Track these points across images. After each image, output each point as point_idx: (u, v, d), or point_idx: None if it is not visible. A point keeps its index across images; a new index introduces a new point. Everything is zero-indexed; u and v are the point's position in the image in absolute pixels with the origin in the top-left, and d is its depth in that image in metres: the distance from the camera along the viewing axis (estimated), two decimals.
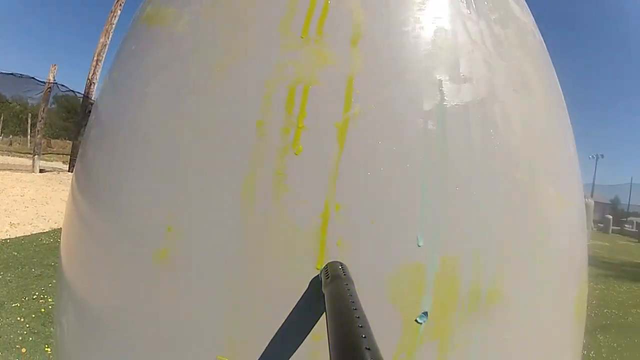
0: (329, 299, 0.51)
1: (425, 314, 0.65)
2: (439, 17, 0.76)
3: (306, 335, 0.62)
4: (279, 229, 0.64)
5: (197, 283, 0.66)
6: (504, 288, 0.71)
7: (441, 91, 0.71)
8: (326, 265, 0.60)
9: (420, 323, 0.65)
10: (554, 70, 1.00)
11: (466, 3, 0.81)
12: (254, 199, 0.64)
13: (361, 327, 0.42)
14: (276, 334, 0.63)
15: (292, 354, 0.63)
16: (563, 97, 0.99)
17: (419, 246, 0.65)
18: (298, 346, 0.63)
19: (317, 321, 0.62)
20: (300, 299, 0.63)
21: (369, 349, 0.37)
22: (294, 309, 0.63)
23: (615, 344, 5.74)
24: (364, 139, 0.66)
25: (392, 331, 0.65)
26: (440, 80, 0.72)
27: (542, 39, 1.00)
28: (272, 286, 0.64)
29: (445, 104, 0.71)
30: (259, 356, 0.63)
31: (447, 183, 0.68)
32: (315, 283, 0.62)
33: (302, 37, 0.70)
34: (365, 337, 0.40)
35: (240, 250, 0.64)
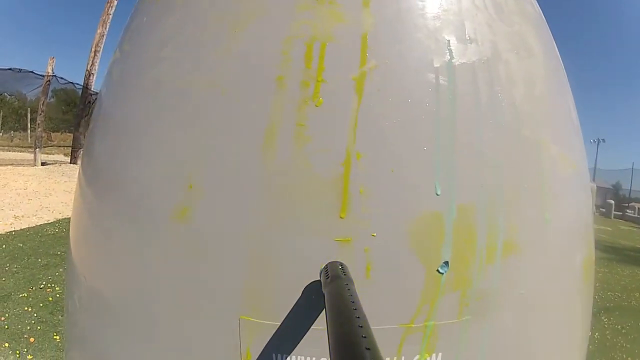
0: (329, 299, 0.51)
1: (447, 263, 0.67)
2: None
3: (306, 335, 0.63)
4: (302, 178, 0.64)
5: (219, 241, 0.67)
6: (518, 241, 0.73)
7: (449, 50, 0.74)
8: (326, 265, 0.61)
9: (442, 273, 0.66)
10: (553, 40, 1.03)
11: None
12: (275, 150, 0.65)
13: (361, 327, 0.42)
14: (275, 333, 0.64)
15: (291, 354, 0.64)
16: (563, 66, 1.02)
17: (437, 194, 0.67)
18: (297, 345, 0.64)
19: (316, 321, 0.63)
20: (300, 298, 0.63)
21: (369, 348, 0.38)
22: (293, 308, 0.64)
23: (619, 326, 5.81)
24: (380, 91, 0.67)
25: (416, 282, 0.66)
26: (448, 40, 0.74)
27: (540, 10, 1.03)
28: (296, 237, 0.64)
29: (454, 62, 0.73)
30: (280, 313, 0.64)
31: (457, 134, 0.70)
32: (315, 283, 0.63)
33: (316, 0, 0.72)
34: (365, 337, 0.40)
35: (263, 203, 0.65)
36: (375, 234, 0.64)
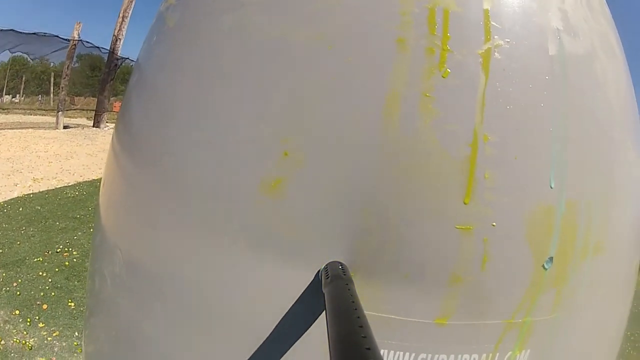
0: (329, 298, 0.50)
1: (551, 259, 0.64)
2: None
3: (305, 335, 0.61)
4: (428, 155, 0.58)
5: (319, 223, 0.60)
6: (605, 239, 0.73)
7: (560, 39, 0.71)
8: (326, 265, 0.59)
9: (546, 269, 0.64)
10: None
11: None
12: (398, 120, 0.58)
13: (361, 327, 0.41)
14: (273, 332, 0.61)
15: (291, 354, 0.61)
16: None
17: (551, 187, 0.64)
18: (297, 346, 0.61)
19: (316, 320, 0.61)
20: (300, 299, 0.61)
21: (369, 348, 0.37)
22: (293, 308, 0.61)
23: (628, 333, 5.73)
24: (505, 71, 0.62)
25: (524, 275, 0.63)
26: (558, 29, 0.71)
27: None
28: (416, 220, 0.58)
29: (565, 52, 0.70)
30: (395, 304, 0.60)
31: (568, 129, 0.67)
32: (316, 282, 0.60)
33: None
34: (365, 337, 0.39)
35: (380, 179, 0.58)
36: (495, 224, 0.60)
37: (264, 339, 0.61)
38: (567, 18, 0.73)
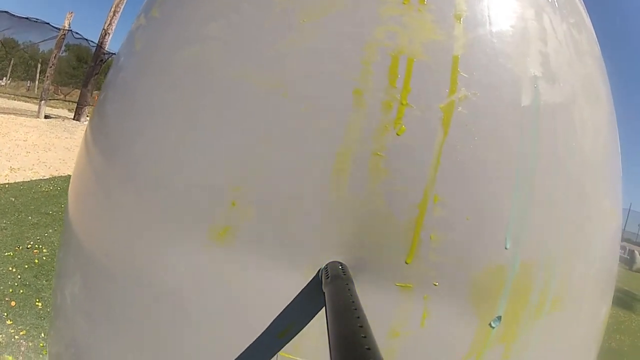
0: (329, 298, 0.50)
1: (499, 318, 0.63)
2: (531, 9, 0.72)
3: (306, 335, 0.60)
4: (373, 215, 0.57)
5: (265, 272, 0.60)
6: (566, 296, 0.71)
7: (536, 88, 0.67)
8: (326, 265, 0.58)
9: (493, 327, 0.63)
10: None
11: (550, 2, 0.76)
12: (347, 178, 0.57)
13: (361, 327, 0.42)
14: (273, 332, 0.60)
15: (291, 353, 0.60)
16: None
17: (505, 248, 0.62)
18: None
19: (316, 320, 0.60)
20: (300, 299, 0.60)
21: (369, 348, 0.38)
22: (293, 308, 0.60)
23: None
24: (466, 126, 0.60)
25: (466, 332, 0.62)
26: (536, 76, 0.68)
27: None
28: (357, 275, 0.58)
29: (540, 102, 0.67)
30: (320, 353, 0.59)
31: (534, 187, 0.65)
32: (316, 282, 0.60)
33: (403, 3, 0.61)
34: (365, 337, 0.40)
35: (324, 235, 0.58)
36: (437, 283, 0.59)
37: (264, 339, 0.61)
38: (548, 62, 0.70)
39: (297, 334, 0.60)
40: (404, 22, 0.60)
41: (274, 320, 0.60)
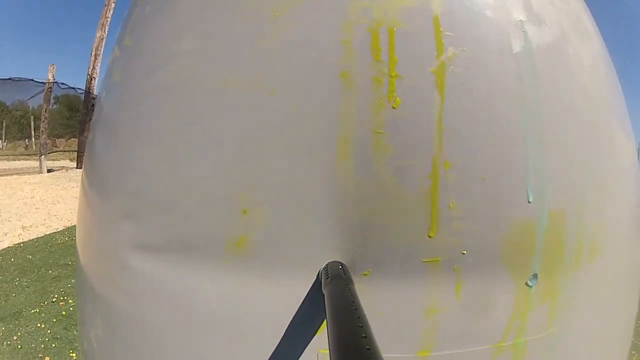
0: (329, 298, 0.49)
1: (535, 276, 0.61)
2: None
3: (310, 337, 0.60)
4: (386, 196, 0.55)
5: (285, 272, 0.59)
6: (602, 240, 0.69)
7: (524, 32, 0.64)
8: (326, 265, 0.57)
9: (531, 286, 0.61)
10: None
11: None
12: (351, 164, 0.55)
13: (361, 326, 0.41)
14: (279, 337, 0.60)
15: (292, 353, 0.60)
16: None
17: (529, 202, 0.59)
18: (301, 348, 0.60)
19: (320, 322, 0.60)
20: (303, 301, 0.60)
21: (369, 348, 0.37)
22: (297, 311, 0.60)
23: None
24: (463, 85, 0.57)
25: (505, 296, 0.60)
26: (521, 21, 0.65)
27: None
28: (383, 260, 0.56)
29: (532, 45, 0.64)
30: None
31: (545, 132, 0.62)
32: (316, 283, 0.59)
33: None
34: (365, 337, 0.39)
35: (341, 227, 0.56)
36: (465, 252, 0.57)
37: (267, 345, 0.60)
38: (530, 5, 0.68)
39: (297, 334, 0.60)
40: None
41: (275, 322, 0.60)
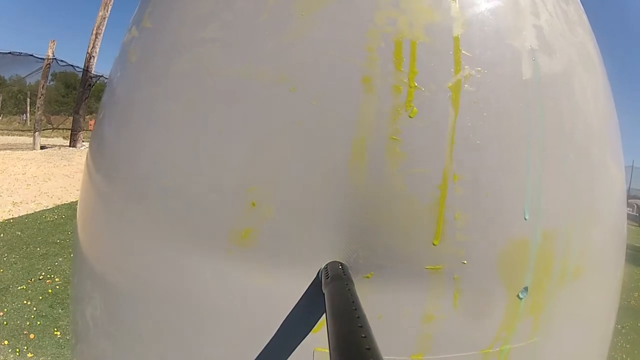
0: (329, 298, 0.50)
1: (526, 289, 0.64)
2: None
3: (306, 335, 0.60)
4: (395, 200, 0.57)
5: (288, 269, 0.59)
6: (585, 262, 0.72)
7: (535, 60, 0.68)
8: (326, 265, 0.58)
9: (521, 299, 0.64)
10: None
11: None
12: (365, 166, 0.56)
13: (361, 326, 0.42)
14: (276, 333, 0.60)
15: (292, 354, 0.60)
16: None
17: (525, 219, 0.62)
18: (298, 345, 0.60)
19: (317, 321, 0.60)
20: (300, 299, 0.60)
21: (369, 348, 0.37)
22: (294, 308, 0.60)
23: (618, 326, 5.81)
24: (476, 103, 0.60)
25: (497, 307, 0.63)
26: (533, 49, 0.68)
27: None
28: (386, 263, 0.58)
29: (540, 74, 0.68)
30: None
31: (545, 156, 0.66)
32: (316, 282, 0.60)
33: None
34: (365, 337, 0.39)
35: (348, 226, 0.57)
36: (466, 262, 0.60)
37: (264, 339, 0.61)
38: (543, 35, 0.71)
39: (297, 334, 0.61)
40: (402, 7, 0.60)
41: (275, 322, 0.61)
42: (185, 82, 0.66)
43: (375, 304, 0.59)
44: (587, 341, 0.81)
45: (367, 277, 0.59)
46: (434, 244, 0.58)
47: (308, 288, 0.60)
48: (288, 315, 0.60)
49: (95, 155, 0.87)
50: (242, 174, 0.60)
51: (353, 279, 0.57)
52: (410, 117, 0.57)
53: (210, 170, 0.62)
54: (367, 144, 0.56)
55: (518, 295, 0.63)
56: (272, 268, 0.60)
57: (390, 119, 0.57)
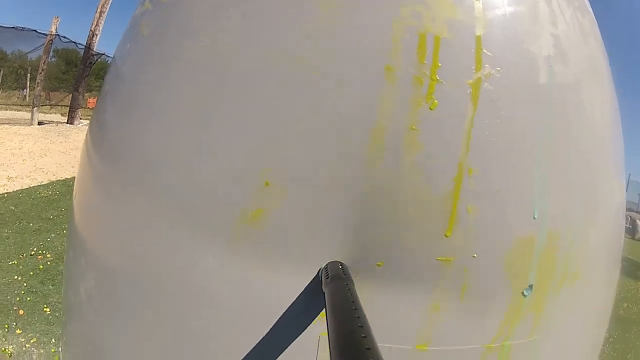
0: (329, 298, 0.50)
1: (531, 287, 0.65)
2: None
3: (306, 335, 0.61)
4: (410, 190, 0.57)
5: (299, 253, 0.60)
6: (584, 265, 0.74)
7: (550, 67, 0.70)
8: (326, 265, 0.59)
9: (526, 296, 0.65)
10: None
11: None
12: (383, 154, 0.57)
13: (361, 326, 0.42)
14: (275, 332, 0.61)
15: (291, 353, 0.61)
16: None
17: (534, 218, 0.64)
18: (297, 343, 0.61)
19: (316, 320, 0.61)
20: (300, 298, 0.61)
21: (369, 348, 0.38)
22: (293, 308, 0.61)
23: (607, 334, 5.81)
24: (492, 102, 0.62)
25: (501, 303, 0.64)
26: (550, 56, 0.70)
27: None
28: (400, 253, 0.59)
29: (554, 81, 0.70)
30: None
31: (552, 159, 0.67)
32: (316, 282, 0.60)
33: None
34: (365, 336, 0.40)
35: (360, 212, 0.58)
36: (476, 255, 0.60)
37: (264, 339, 0.61)
38: (560, 44, 0.72)
39: (297, 334, 0.61)
40: (428, 3, 0.61)
41: (275, 322, 0.61)
42: (199, 62, 0.65)
43: (384, 292, 0.59)
44: (582, 342, 0.83)
45: (378, 265, 0.59)
46: (446, 235, 0.58)
47: (307, 287, 0.60)
48: (288, 316, 0.61)
49: (95, 134, 0.86)
50: (257, 155, 0.60)
51: (362, 266, 0.57)
52: (430, 109, 0.58)
53: (224, 149, 0.61)
54: (386, 133, 0.57)
55: (523, 293, 0.65)
56: (277, 256, 0.61)
57: (411, 109, 0.57)
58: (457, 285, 0.60)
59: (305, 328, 0.60)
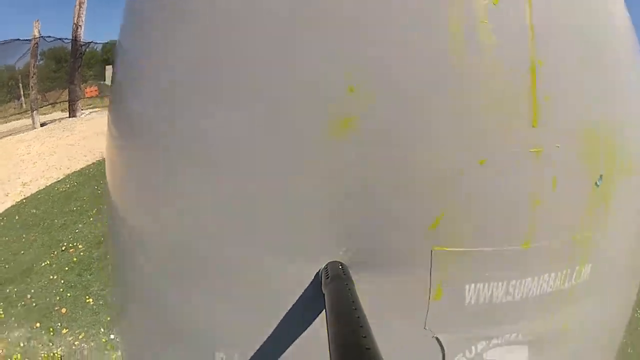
0: (329, 298, 0.51)
1: (601, 177, 0.66)
2: None
3: (306, 335, 0.61)
4: (494, 80, 0.58)
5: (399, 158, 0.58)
6: (634, 166, 0.74)
7: None
8: (326, 265, 0.59)
9: (598, 186, 0.66)
10: None
11: None
12: (464, 46, 0.56)
13: (361, 326, 0.42)
14: (274, 332, 0.61)
15: (291, 353, 0.61)
16: None
17: (599, 109, 0.65)
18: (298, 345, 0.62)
19: (316, 320, 0.61)
20: (300, 298, 0.61)
21: (369, 348, 0.38)
22: (293, 308, 0.61)
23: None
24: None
25: (583, 194, 0.65)
26: None
27: None
28: (495, 150, 0.58)
29: None
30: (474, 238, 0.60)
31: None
32: (316, 282, 0.61)
33: None
34: (365, 337, 0.40)
35: (449, 108, 0.57)
36: (559, 145, 0.61)
37: (264, 339, 0.61)
38: None
39: (297, 334, 0.62)
40: None
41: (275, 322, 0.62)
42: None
43: (488, 194, 0.60)
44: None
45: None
46: (533, 126, 0.59)
47: (307, 287, 0.60)
48: (289, 316, 0.61)
49: (133, 116, 0.81)
50: (339, 64, 0.58)
51: None
52: (494, 3, 0.58)
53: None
54: (462, 25, 0.57)
55: (596, 183, 0.65)
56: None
57: (477, 3, 0.57)
58: (549, 176, 0.61)
59: (306, 328, 0.60)
